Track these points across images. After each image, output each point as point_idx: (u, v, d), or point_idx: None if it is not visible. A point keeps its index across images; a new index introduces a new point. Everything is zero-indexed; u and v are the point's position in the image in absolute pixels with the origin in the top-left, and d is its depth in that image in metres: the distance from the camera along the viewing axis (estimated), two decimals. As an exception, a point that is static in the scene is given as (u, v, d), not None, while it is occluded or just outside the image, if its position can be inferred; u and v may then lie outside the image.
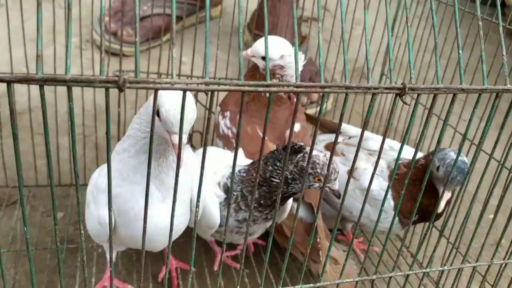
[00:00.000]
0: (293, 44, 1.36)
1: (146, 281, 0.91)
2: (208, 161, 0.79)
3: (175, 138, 0.58)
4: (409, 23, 0.48)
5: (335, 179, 0.73)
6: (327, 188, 0.73)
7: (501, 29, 0.53)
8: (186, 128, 0.59)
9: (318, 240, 0.89)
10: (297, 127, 0.98)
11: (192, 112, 0.59)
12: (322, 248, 0.88)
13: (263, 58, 0.91)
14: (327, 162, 0.71)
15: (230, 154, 0.89)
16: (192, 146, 1.18)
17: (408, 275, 0.68)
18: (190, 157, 0.80)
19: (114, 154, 0.71)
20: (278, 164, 0.74)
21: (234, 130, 0.96)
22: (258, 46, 0.91)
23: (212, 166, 0.81)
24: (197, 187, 0.74)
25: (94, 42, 1.50)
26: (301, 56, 0.94)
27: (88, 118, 1.15)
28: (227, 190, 0.79)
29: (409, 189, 0.88)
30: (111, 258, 0.50)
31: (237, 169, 0.79)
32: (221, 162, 0.84)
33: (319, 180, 0.72)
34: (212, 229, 0.80)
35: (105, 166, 0.73)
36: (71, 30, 0.35)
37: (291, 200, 0.83)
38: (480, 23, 0.51)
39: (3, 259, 0.92)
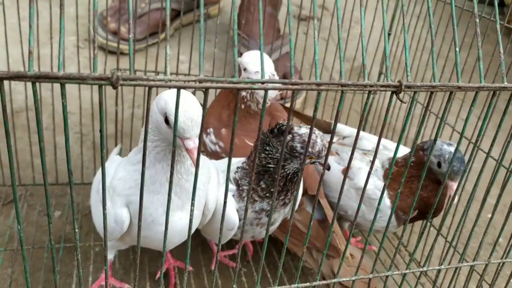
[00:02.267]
0: (270, 38, 1.35)
1: (144, 280, 0.91)
2: (215, 162, 0.80)
3: (189, 144, 0.57)
4: (406, 20, 0.48)
5: (325, 154, 0.73)
6: (318, 164, 0.75)
7: (498, 26, 0.52)
8: (197, 132, 0.58)
9: (335, 236, 0.89)
10: None
11: (199, 114, 0.58)
12: (340, 244, 0.89)
13: (244, 70, 0.93)
14: (317, 139, 0.72)
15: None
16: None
17: (405, 274, 0.68)
18: (205, 160, 0.81)
19: (127, 162, 0.70)
20: (267, 148, 0.75)
21: (221, 144, 0.95)
22: (245, 59, 0.92)
23: (219, 165, 0.83)
24: (212, 189, 0.74)
25: (93, 41, 1.50)
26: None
27: (86, 116, 1.15)
28: (237, 183, 0.80)
29: (407, 185, 0.89)
30: (106, 257, 0.49)
31: (239, 163, 0.81)
32: (226, 160, 0.84)
33: (310, 158, 0.73)
34: (232, 230, 0.79)
35: (120, 166, 0.72)
36: (64, 24, 0.35)
37: (300, 191, 0.84)
38: (477, 20, 0.50)
39: (0, 258, 0.92)
